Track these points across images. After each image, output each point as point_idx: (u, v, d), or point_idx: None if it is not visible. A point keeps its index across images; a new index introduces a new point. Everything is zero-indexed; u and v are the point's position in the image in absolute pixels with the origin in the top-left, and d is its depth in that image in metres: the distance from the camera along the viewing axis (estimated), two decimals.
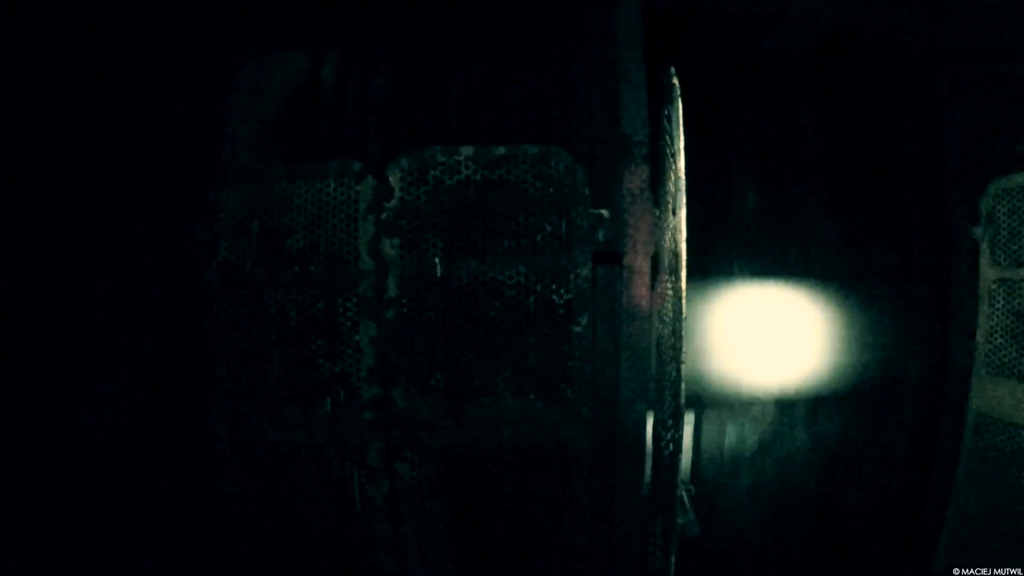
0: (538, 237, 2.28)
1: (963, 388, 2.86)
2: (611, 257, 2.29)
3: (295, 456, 2.42)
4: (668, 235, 2.37)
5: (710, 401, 3.22)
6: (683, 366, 2.40)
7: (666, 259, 2.38)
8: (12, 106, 1.90)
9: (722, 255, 3.19)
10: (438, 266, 2.30)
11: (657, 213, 2.38)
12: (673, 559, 2.40)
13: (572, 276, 2.26)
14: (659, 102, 2.47)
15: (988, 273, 2.77)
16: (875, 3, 2.65)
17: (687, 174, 2.28)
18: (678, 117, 2.36)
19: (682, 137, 2.28)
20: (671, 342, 2.36)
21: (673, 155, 2.36)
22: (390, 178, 2.34)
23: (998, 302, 2.74)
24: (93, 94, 2.19)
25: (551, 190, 2.28)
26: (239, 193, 2.44)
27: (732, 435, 3.22)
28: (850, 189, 3.20)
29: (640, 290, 2.21)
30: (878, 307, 3.20)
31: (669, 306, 2.38)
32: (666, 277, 2.40)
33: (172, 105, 2.65)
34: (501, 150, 2.32)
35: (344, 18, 2.91)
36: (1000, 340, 2.74)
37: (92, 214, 2.21)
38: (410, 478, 2.37)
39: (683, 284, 2.34)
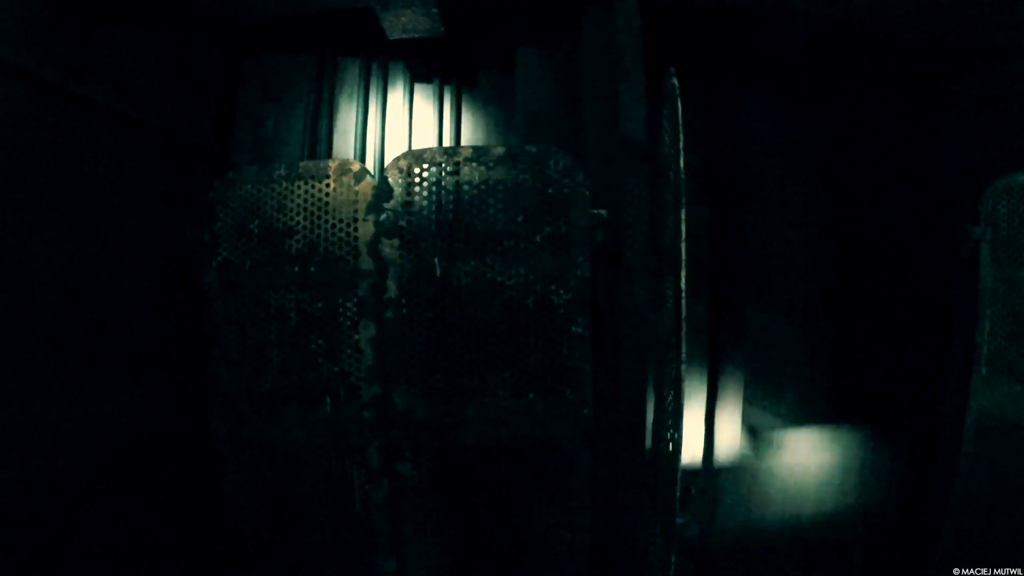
0: (537, 238, 2.28)
1: (963, 388, 2.86)
2: (610, 257, 2.29)
3: (295, 456, 2.43)
4: (668, 235, 2.37)
5: None
6: (683, 366, 2.39)
7: (666, 259, 2.37)
8: (8, 100, 1.90)
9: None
10: (437, 266, 2.30)
11: (656, 213, 2.38)
12: (673, 559, 2.40)
13: (571, 276, 2.26)
14: (659, 102, 2.47)
15: (988, 272, 2.77)
16: (874, 1, 2.64)
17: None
18: (678, 117, 2.36)
19: (682, 137, 2.27)
20: (671, 342, 2.35)
21: (673, 155, 2.36)
22: (389, 179, 2.34)
23: (999, 301, 2.74)
24: (92, 90, 2.19)
25: (550, 190, 2.28)
26: (239, 193, 2.44)
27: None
28: (848, 195, 3.21)
29: (639, 290, 2.21)
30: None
31: (669, 306, 2.37)
32: (666, 277, 2.40)
33: (174, 104, 2.65)
34: (500, 150, 2.32)
35: (351, 25, 2.91)
36: (1000, 340, 2.74)
37: (91, 213, 2.21)
38: (410, 478, 2.37)
39: (683, 284, 2.34)
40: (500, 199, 2.29)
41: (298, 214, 2.38)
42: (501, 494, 2.38)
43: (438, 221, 2.31)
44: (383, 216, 2.32)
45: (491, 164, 2.31)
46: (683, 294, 2.20)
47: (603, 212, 2.29)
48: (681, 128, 2.13)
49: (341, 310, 2.34)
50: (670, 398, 2.29)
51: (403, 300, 2.31)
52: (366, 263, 2.33)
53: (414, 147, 3.11)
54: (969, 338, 2.87)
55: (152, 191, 2.50)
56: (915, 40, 2.79)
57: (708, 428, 3.16)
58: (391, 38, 2.79)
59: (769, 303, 3.16)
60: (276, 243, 2.39)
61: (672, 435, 2.27)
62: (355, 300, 2.34)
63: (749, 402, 3.16)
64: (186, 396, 2.55)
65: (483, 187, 2.30)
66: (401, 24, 2.69)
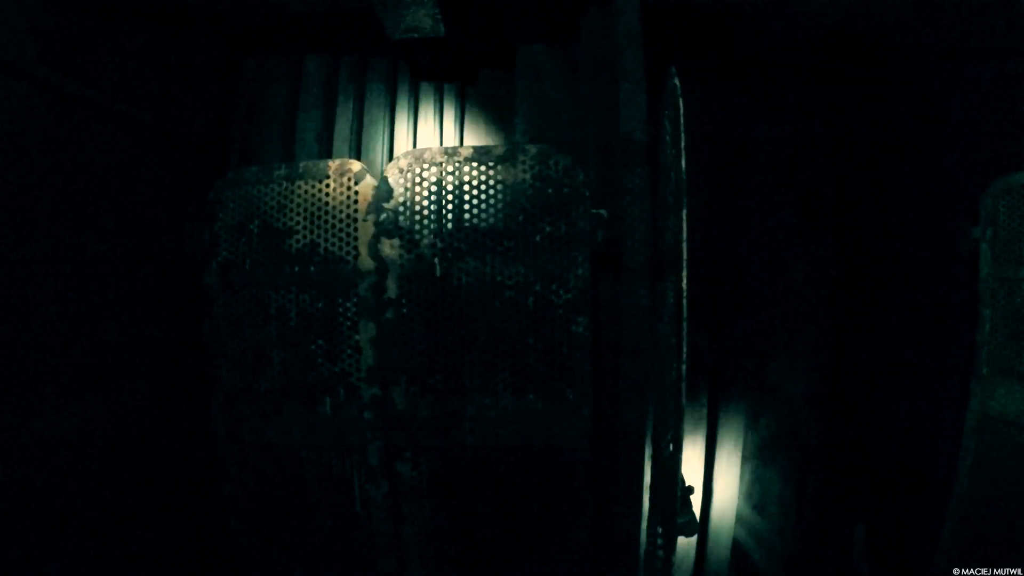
0: (537, 237, 2.27)
1: (963, 388, 2.86)
2: (611, 257, 2.29)
3: (295, 456, 2.43)
4: (668, 235, 2.37)
5: None
6: (683, 366, 2.39)
7: (666, 259, 2.37)
8: (8, 100, 1.90)
9: None
10: (437, 266, 2.30)
11: (657, 213, 2.38)
12: (673, 559, 2.40)
13: (571, 276, 2.26)
14: (660, 102, 2.47)
15: (988, 272, 2.77)
16: (875, 1, 2.64)
17: None
18: (680, 117, 2.36)
19: (683, 137, 2.27)
20: (672, 342, 2.35)
21: (675, 155, 2.36)
22: (389, 179, 2.34)
23: (999, 301, 2.74)
24: (92, 90, 2.19)
25: (550, 190, 2.28)
26: (239, 193, 2.44)
27: None
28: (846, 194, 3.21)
29: (640, 290, 2.20)
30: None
31: (669, 306, 2.37)
32: (667, 278, 2.39)
33: (174, 103, 2.64)
34: (501, 150, 2.32)
35: (353, 25, 2.91)
36: (1001, 340, 2.73)
37: (91, 213, 2.21)
38: (410, 478, 2.37)
39: (683, 284, 2.34)
40: (500, 199, 2.29)
41: (298, 214, 2.38)
42: (501, 494, 2.38)
43: (438, 221, 2.31)
44: (383, 216, 2.32)
45: (492, 164, 2.31)
46: (683, 294, 2.20)
47: (603, 212, 2.28)
48: (683, 128, 2.12)
49: (341, 310, 2.34)
50: (670, 398, 2.29)
51: (403, 300, 2.31)
52: (366, 263, 2.33)
53: (415, 147, 3.11)
54: (969, 338, 2.87)
55: (152, 191, 2.50)
56: (916, 40, 2.79)
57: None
58: (393, 38, 2.79)
59: (768, 311, 3.17)
60: (276, 243, 2.39)
61: (672, 435, 2.27)
62: (355, 300, 2.34)
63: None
64: (186, 396, 2.55)
65: (483, 187, 2.30)
66: (403, 24, 2.69)
